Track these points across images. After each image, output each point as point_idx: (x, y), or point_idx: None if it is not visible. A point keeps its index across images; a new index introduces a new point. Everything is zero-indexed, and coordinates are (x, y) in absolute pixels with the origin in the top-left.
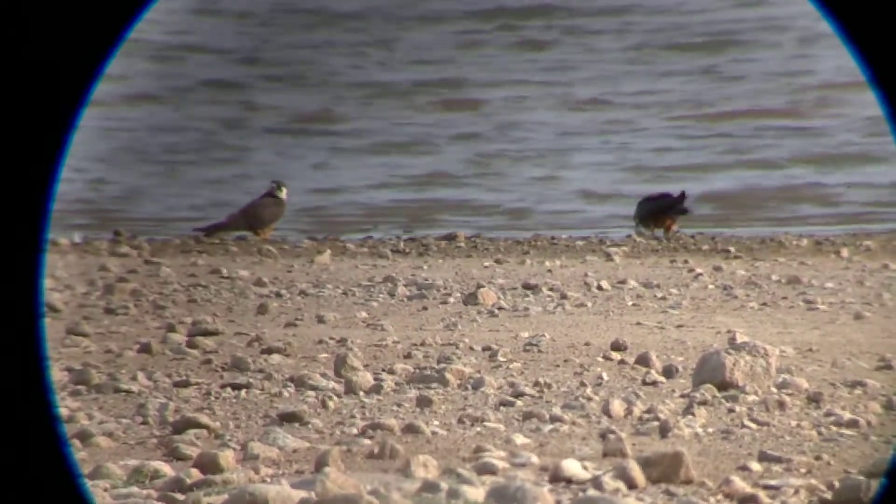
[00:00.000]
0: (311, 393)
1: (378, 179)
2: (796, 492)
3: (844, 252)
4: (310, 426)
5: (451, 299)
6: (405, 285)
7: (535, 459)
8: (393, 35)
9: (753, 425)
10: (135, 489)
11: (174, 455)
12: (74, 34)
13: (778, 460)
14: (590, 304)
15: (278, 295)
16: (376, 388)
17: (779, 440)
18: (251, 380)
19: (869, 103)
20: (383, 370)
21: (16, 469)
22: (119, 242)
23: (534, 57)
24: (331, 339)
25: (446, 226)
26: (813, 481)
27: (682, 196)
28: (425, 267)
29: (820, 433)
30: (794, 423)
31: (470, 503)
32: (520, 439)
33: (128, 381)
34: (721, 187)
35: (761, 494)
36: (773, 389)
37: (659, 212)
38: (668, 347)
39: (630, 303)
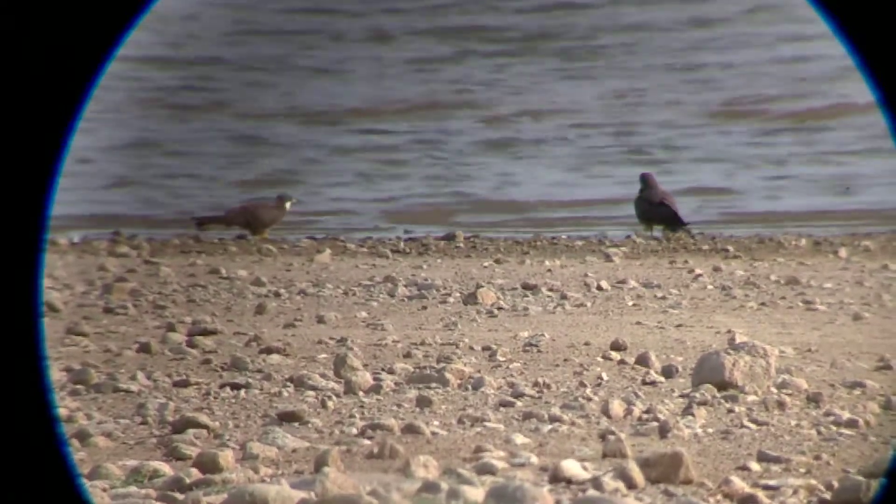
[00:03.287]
0: (311, 393)
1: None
2: (795, 492)
3: (843, 252)
4: (309, 426)
5: (451, 299)
6: (405, 285)
7: (534, 459)
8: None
9: (753, 425)
10: (133, 489)
11: (173, 455)
12: (75, 34)
13: (777, 460)
14: (589, 304)
15: (277, 295)
16: (376, 388)
17: (778, 440)
18: (250, 380)
19: None
20: (383, 370)
21: (15, 469)
22: (118, 242)
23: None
24: (330, 338)
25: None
26: (812, 481)
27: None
28: (425, 267)
29: (819, 433)
30: (793, 423)
31: (470, 503)
32: (519, 439)
33: (127, 380)
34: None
35: (760, 494)
36: (773, 389)
37: (655, 219)
38: (667, 347)
39: (630, 303)
